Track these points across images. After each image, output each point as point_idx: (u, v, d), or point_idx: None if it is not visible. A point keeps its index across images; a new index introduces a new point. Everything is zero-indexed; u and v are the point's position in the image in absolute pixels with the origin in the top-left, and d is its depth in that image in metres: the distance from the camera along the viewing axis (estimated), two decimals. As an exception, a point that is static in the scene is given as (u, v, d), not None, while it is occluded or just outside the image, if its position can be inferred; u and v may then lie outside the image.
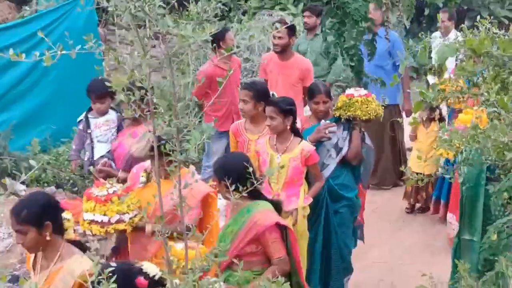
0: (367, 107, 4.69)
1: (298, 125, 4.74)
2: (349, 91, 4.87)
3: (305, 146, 4.49)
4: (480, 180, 4.31)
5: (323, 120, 4.78)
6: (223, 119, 6.51)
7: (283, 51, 6.41)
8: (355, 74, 5.23)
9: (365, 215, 6.51)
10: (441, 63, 3.41)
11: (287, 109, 4.42)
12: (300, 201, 4.45)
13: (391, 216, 6.84)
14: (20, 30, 7.62)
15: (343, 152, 4.76)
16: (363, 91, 4.81)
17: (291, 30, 6.44)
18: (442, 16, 7.96)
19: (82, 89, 7.99)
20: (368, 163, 5.16)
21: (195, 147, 1.87)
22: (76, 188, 7.13)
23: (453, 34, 7.76)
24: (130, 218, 3.75)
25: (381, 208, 6.98)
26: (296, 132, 4.57)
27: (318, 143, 4.70)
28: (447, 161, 5.51)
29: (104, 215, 3.70)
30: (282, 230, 3.62)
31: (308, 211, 4.51)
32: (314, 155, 4.49)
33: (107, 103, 5.32)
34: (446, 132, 3.10)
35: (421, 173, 6.45)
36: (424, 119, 6.58)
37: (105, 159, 5.03)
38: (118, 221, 3.71)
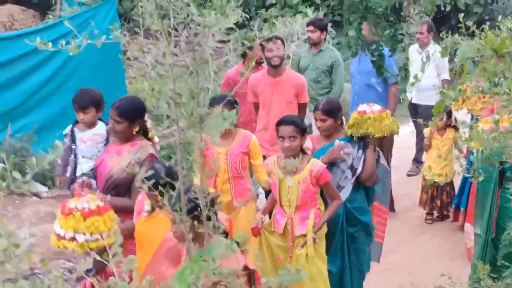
0: (380, 124, 4.36)
1: (308, 144, 4.49)
2: (361, 107, 4.52)
3: (314, 165, 4.19)
4: (493, 178, 4.34)
5: (337, 140, 4.47)
6: (242, 126, 6.37)
7: (279, 66, 5.82)
8: (377, 69, 5.18)
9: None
10: (462, 63, 3.39)
11: (305, 128, 4.25)
12: (309, 224, 4.17)
13: (411, 222, 6.80)
14: (44, 35, 7.74)
15: (358, 172, 4.47)
16: (376, 107, 4.45)
17: (283, 42, 5.92)
18: (421, 28, 7.81)
19: (103, 94, 8.14)
20: (386, 184, 4.82)
21: (218, 135, 1.89)
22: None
23: (432, 46, 7.71)
24: (86, 240, 3.32)
25: (400, 213, 6.95)
26: (303, 151, 4.31)
27: (332, 164, 4.42)
28: (470, 161, 5.42)
29: (61, 228, 3.38)
30: (250, 274, 3.05)
31: (325, 231, 4.30)
32: (324, 173, 4.20)
33: (91, 114, 4.92)
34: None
35: (436, 182, 6.46)
36: (439, 127, 6.49)
37: (84, 178, 4.23)
38: (71, 239, 3.33)
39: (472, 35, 3.34)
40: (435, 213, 6.81)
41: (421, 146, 8.18)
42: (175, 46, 2.01)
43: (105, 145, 4.89)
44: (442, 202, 6.65)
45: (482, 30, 3.31)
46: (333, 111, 4.44)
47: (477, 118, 6.07)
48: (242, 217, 4.68)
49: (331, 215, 4.27)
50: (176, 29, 1.96)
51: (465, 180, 6.20)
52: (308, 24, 6.96)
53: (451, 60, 7.93)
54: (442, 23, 14.42)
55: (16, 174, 1.77)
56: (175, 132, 2.08)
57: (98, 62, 7.95)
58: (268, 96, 5.86)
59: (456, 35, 3.41)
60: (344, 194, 4.40)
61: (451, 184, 6.64)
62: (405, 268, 5.79)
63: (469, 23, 3.46)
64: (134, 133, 4.09)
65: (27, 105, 7.58)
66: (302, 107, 5.92)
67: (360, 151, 4.45)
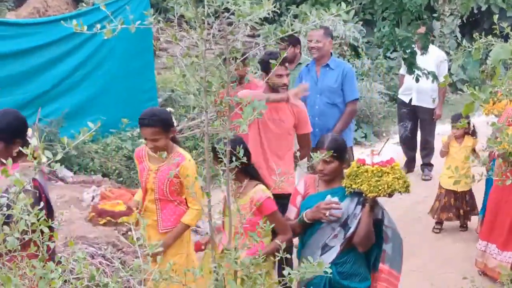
0: (378, 181, 3.48)
1: (300, 188, 3.88)
2: (363, 155, 3.89)
3: (257, 193, 3.75)
4: None
5: (329, 196, 3.70)
6: None
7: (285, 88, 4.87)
8: (408, 67, 5.11)
9: (407, 222, 6.51)
10: (494, 65, 3.35)
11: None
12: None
13: (432, 225, 6.73)
14: (78, 21, 7.83)
15: (350, 233, 3.65)
16: (377, 158, 3.56)
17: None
18: (420, 30, 7.78)
19: (132, 84, 8.24)
20: (396, 245, 3.84)
21: (247, 123, 1.90)
22: (121, 178, 7.28)
23: (432, 48, 7.63)
24: None
25: (423, 217, 6.89)
26: (253, 174, 3.86)
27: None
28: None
29: None
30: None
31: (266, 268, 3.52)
32: (267, 204, 3.72)
33: None
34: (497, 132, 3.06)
35: (453, 190, 6.35)
36: (457, 134, 6.39)
37: None
38: None
39: (505, 38, 3.31)
40: (459, 223, 6.64)
41: (429, 148, 8.18)
42: (208, 34, 2.03)
43: None
44: (462, 210, 6.47)
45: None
46: (340, 151, 3.68)
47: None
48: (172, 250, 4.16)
49: (272, 250, 3.63)
50: (210, 17, 1.98)
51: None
52: (278, 42, 6.08)
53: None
54: (474, 26, 14.25)
55: (48, 154, 1.81)
56: (201, 124, 2.09)
57: (129, 51, 8.04)
58: (263, 124, 4.83)
59: (490, 37, 3.38)
60: (330, 256, 3.66)
61: (470, 192, 6.47)
62: (425, 271, 5.75)
63: (503, 25, 3.43)
64: (14, 154, 3.32)
65: (58, 90, 7.68)
66: (303, 139, 5.03)
67: (359, 207, 3.66)
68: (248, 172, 3.80)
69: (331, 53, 6.07)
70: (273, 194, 3.79)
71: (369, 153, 3.61)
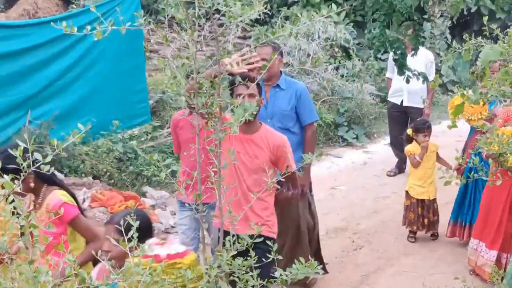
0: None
1: None
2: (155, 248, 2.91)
3: (52, 199, 3.43)
4: None
5: None
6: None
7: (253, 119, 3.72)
8: (398, 68, 5.11)
9: (398, 223, 6.52)
10: (484, 67, 3.37)
11: None
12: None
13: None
14: (68, 22, 7.81)
15: None
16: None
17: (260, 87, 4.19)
18: (411, 32, 7.83)
19: (123, 86, 8.22)
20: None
21: (237, 124, 1.90)
22: (113, 180, 7.26)
23: (421, 49, 7.66)
24: None
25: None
26: (50, 179, 3.49)
27: None
28: (469, 169, 5.30)
29: None
30: None
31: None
32: (65, 210, 3.23)
33: None
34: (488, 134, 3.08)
35: (422, 200, 6.23)
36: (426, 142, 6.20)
37: None
38: None
39: (495, 39, 3.33)
40: (425, 232, 6.41)
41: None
42: (199, 36, 2.03)
43: None
44: (429, 220, 6.29)
45: (506, 34, 3.30)
46: None
47: (475, 128, 5.96)
48: None
49: (85, 260, 3.40)
50: (200, 18, 1.97)
51: (463, 192, 6.08)
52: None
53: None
54: (464, 27, 14.32)
55: (37, 155, 1.80)
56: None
57: (120, 52, 8.02)
58: (237, 153, 4.02)
59: (479, 39, 3.40)
60: None
61: (435, 201, 6.31)
62: (417, 271, 5.76)
63: (493, 26, 3.44)
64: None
65: (48, 92, 7.63)
66: (287, 178, 3.98)
67: None
68: (43, 177, 3.39)
69: (281, 72, 5.15)
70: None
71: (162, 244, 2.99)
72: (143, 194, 7.19)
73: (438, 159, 6.33)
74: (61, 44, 7.64)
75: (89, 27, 2.01)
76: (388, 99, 8.61)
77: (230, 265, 2.16)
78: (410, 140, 6.36)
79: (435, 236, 6.44)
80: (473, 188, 5.99)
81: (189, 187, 2.55)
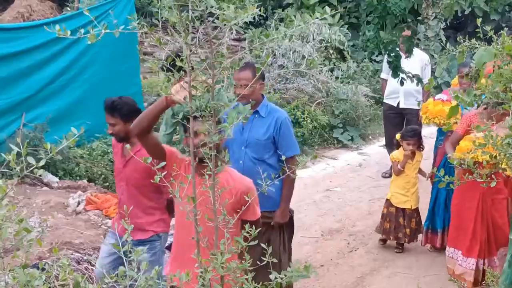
0: None
1: None
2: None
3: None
4: None
5: None
6: None
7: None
8: (393, 70, 5.11)
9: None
10: (478, 68, 3.38)
11: None
12: None
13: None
14: (62, 26, 7.79)
15: None
16: None
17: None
18: (405, 33, 7.84)
19: (118, 89, 8.18)
20: None
21: (232, 127, 1.90)
22: (107, 183, 7.25)
23: (416, 51, 7.69)
24: None
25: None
26: None
27: None
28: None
29: None
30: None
31: None
32: None
33: None
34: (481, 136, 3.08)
35: (403, 209, 6.09)
36: (411, 151, 6.07)
37: None
38: None
39: (488, 41, 3.34)
40: (407, 242, 6.22)
41: None
42: (193, 39, 2.03)
43: None
44: (411, 230, 6.13)
45: (500, 35, 3.31)
46: None
47: (445, 133, 5.92)
48: None
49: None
50: (194, 22, 1.97)
51: (434, 200, 6.04)
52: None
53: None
54: (458, 29, 14.37)
55: (31, 159, 1.79)
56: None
57: (114, 55, 8.00)
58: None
59: (473, 40, 3.40)
60: None
61: (416, 211, 6.18)
62: (411, 273, 5.77)
63: (487, 28, 3.45)
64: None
65: (42, 95, 7.61)
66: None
67: None
68: None
69: (263, 96, 4.71)
70: None
71: None
72: (138, 197, 7.17)
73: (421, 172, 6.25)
74: (55, 47, 7.62)
75: (82, 31, 2.00)
76: (384, 101, 8.62)
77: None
78: (399, 145, 6.28)
79: (399, 249, 6.25)
80: (446, 195, 5.90)
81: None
